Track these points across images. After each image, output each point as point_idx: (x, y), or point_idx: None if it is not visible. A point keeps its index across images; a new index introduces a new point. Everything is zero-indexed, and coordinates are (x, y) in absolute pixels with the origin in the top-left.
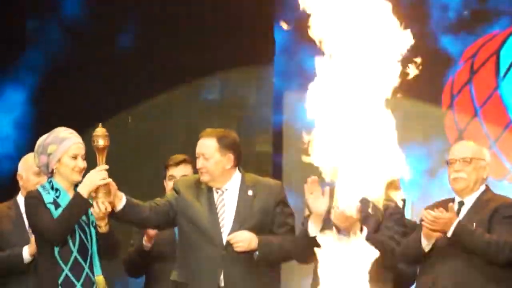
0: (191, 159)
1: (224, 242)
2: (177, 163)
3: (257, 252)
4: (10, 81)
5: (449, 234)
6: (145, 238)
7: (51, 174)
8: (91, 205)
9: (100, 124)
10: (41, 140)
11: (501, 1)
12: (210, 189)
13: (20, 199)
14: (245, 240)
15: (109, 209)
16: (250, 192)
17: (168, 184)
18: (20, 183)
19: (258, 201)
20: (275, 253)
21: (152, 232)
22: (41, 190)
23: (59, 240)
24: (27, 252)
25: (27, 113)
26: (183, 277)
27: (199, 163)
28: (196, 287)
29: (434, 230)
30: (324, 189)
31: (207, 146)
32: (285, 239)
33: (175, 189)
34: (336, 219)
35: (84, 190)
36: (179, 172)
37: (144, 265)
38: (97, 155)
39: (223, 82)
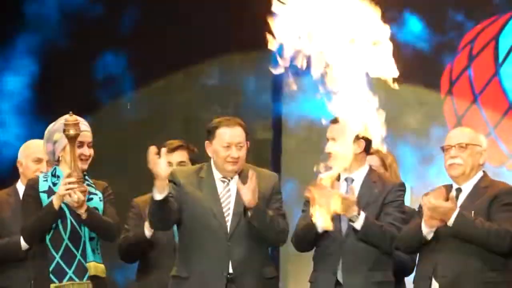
0: (187, 145)
1: (229, 232)
2: (173, 149)
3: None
4: (9, 67)
5: (450, 223)
6: (147, 224)
7: (57, 162)
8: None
9: (71, 112)
10: (49, 127)
11: None
12: (212, 179)
13: (20, 186)
14: (254, 192)
15: (82, 198)
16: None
17: None
18: (20, 170)
19: (258, 190)
20: (265, 219)
21: None
22: (40, 177)
23: (28, 241)
24: (24, 241)
25: (27, 99)
26: (185, 272)
27: (236, 153)
28: (198, 280)
29: (433, 218)
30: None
31: (241, 135)
32: (277, 219)
33: (173, 181)
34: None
35: (55, 201)
36: (175, 159)
37: (142, 252)
38: (69, 145)
39: (221, 67)
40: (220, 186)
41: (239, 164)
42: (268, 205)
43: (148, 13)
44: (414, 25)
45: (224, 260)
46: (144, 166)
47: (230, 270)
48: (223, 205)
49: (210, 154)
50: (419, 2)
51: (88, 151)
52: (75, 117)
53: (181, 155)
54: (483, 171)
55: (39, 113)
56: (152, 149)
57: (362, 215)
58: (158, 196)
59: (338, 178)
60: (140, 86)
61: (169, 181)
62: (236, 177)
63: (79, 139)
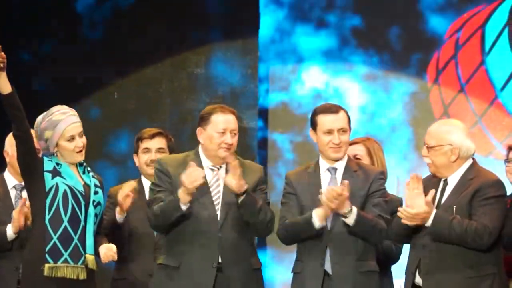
0: (166, 133)
1: (220, 223)
2: (152, 136)
3: (242, 197)
4: None
5: (428, 224)
6: (118, 209)
7: (53, 155)
8: None
9: None
10: (37, 123)
11: None
12: (201, 167)
13: (7, 176)
14: (240, 178)
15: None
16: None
17: (141, 157)
18: (7, 159)
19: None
20: (255, 207)
21: (126, 204)
22: (45, 158)
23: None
24: (11, 230)
25: None
26: (174, 261)
27: (230, 139)
28: (188, 269)
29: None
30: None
31: (235, 122)
32: (266, 208)
33: (163, 172)
34: (326, 198)
35: None
36: (154, 145)
37: (118, 240)
38: None
39: (208, 57)
40: (209, 174)
41: (231, 151)
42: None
43: (138, 3)
44: None
45: (214, 250)
46: (131, 154)
47: (220, 260)
48: (212, 194)
49: (202, 141)
50: None
51: (81, 142)
52: None
53: (160, 142)
54: (473, 160)
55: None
56: (193, 165)
57: (354, 210)
58: (184, 206)
59: (318, 169)
60: (129, 75)
61: (158, 170)
62: (224, 165)
63: (69, 134)
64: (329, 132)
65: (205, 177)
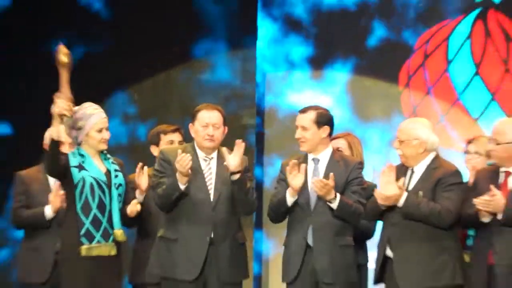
0: (181, 129)
1: (213, 203)
2: (174, 130)
3: (237, 176)
4: None
5: (399, 205)
6: (137, 191)
7: (79, 144)
8: None
9: (61, 43)
10: None
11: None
12: (196, 158)
13: None
14: (241, 158)
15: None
16: (225, 163)
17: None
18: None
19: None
20: (244, 187)
21: (143, 186)
22: (70, 155)
23: None
24: (50, 210)
25: None
26: (173, 234)
27: (212, 131)
28: (185, 241)
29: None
30: (301, 166)
31: (218, 118)
32: (252, 190)
33: (165, 161)
34: (316, 187)
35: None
36: (176, 138)
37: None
38: (63, 70)
39: (213, 63)
40: (203, 164)
41: (216, 142)
42: None
43: (157, 15)
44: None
45: (207, 226)
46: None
47: (212, 236)
48: (206, 180)
49: (193, 135)
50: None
51: (107, 134)
52: (65, 48)
53: (178, 136)
54: (436, 153)
55: None
56: (180, 153)
57: (338, 197)
58: (182, 186)
59: (307, 160)
60: (145, 78)
61: (161, 159)
62: (215, 156)
63: (99, 126)
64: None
65: (200, 166)
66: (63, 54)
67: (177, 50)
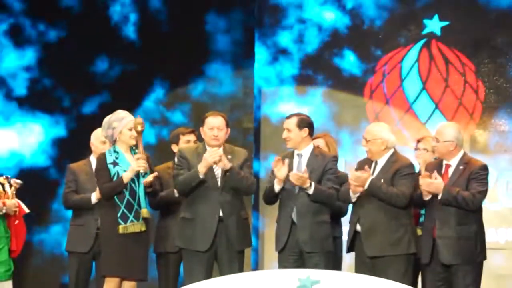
0: (195, 131)
1: (220, 187)
2: (190, 132)
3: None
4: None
5: (365, 187)
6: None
7: (114, 142)
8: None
9: (138, 116)
10: (106, 119)
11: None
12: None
13: (92, 159)
14: (224, 163)
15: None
16: (229, 156)
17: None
18: (92, 148)
19: (234, 161)
20: (237, 177)
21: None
22: (106, 153)
23: (104, 197)
24: (94, 197)
25: None
26: (190, 214)
27: (216, 132)
28: (200, 220)
29: (357, 185)
30: (284, 161)
31: (221, 122)
32: (247, 176)
33: (183, 157)
34: (292, 179)
35: (127, 175)
36: (192, 138)
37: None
38: (138, 136)
39: (221, 80)
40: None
41: (220, 141)
42: (241, 169)
43: (177, 43)
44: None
45: (216, 206)
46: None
47: (221, 214)
48: (214, 170)
49: (203, 136)
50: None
51: (135, 132)
52: (141, 119)
53: (194, 136)
54: (394, 149)
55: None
56: (217, 151)
57: (313, 185)
58: (201, 175)
59: (293, 155)
60: (169, 91)
61: (180, 156)
62: (222, 152)
63: (130, 125)
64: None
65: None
66: (138, 124)
67: (194, 69)
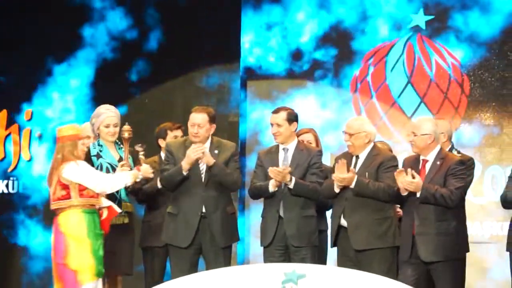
0: (182, 126)
1: (204, 183)
2: (178, 127)
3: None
4: None
5: (352, 186)
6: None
7: (98, 136)
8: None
9: (127, 123)
10: (92, 115)
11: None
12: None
13: None
14: (208, 158)
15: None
16: (216, 151)
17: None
18: None
19: (221, 156)
20: (223, 173)
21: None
22: (91, 145)
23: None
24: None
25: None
26: (175, 210)
27: (196, 129)
28: (183, 216)
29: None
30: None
31: (203, 118)
32: (233, 172)
33: (169, 152)
34: (272, 175)
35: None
36: (179, 133)
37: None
38: (124, 143)
39: (208, 75)
40: None
41: (200, 138)
42: (227, 164)
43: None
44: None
45: (199, 202)
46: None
47: (204, 210)
48: (199, 165)
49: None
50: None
51: (113, 129)
52: (129, 126)
53: (181, 132)
54: (374, 143)
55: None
56: (200, 147)
57: (293, 179)
58: (184, 172)
59: (278, 149)
60: (154, 86)
61: (166, 150)
62: (208, 146)
63: (106, 122)
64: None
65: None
66: (126, 131)
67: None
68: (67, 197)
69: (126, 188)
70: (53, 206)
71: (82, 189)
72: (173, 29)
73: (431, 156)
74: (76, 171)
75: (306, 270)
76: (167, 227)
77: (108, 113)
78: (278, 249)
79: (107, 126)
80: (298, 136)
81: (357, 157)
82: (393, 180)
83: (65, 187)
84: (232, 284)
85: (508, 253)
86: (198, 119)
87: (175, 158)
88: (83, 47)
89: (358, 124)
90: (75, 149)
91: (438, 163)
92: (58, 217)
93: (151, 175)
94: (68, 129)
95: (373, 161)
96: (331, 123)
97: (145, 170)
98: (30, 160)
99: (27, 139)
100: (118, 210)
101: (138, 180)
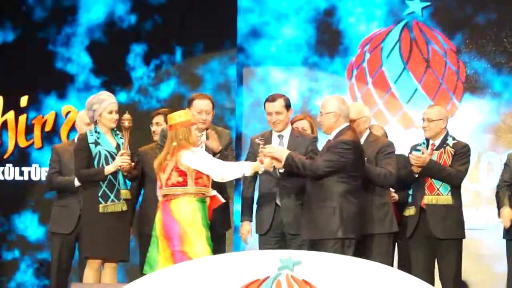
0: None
1: None
2: (157, 113)
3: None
4: None
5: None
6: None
7: (95, 123)
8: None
9: (127, 112)
10: (88, 100)
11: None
12: None
13: (77, 139)
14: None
15: (127, 168)
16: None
17: (155, 127)
18: (77, 129)
19: (217, 143)
20: (226, 159)
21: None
22: (88, 133)
23: (80, 182)
24: (77, 181)
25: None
26: None
27: (205, 116)
28: None
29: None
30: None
31: (208, 105)
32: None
33: (166, 137)
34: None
35: (109, 169)
36: (161, 119)
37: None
38: (124, 132)
39: (204, 62)
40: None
41: (207, 124)
42: (225, 151)
43: (164, 26)
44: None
45: None
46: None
47: None
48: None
49: None
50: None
51: (115, 116)
52: (129, 115)
53: (163, 117)
54: (369, 130)
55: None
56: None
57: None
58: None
59: (271, 135)
60: (152, 72)
61: (163, 136)
62: (205, 133)
63: (110, 109)
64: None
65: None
66: (126, 120)
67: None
68: (184, 184)
69: (125, 176)
70: (165, 191)
71: (198, 177)
72: (169, 15)
73: (332, 135)
74: (195, 158)
75: (302, 256)
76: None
77: (111, 100)
78: (274, 236)
79: (110, 113)
80: (292, 123)
81: None
82: (393, 166)
83: (183, 173)
84: (227, 270)
85: (504, 240)
86: (206, 105)
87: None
88: (79, 32)
89: (357, 110)
90: (189, 135)
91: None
92: (169, 203)
93: (271, 169)
94: (180, 116)
95: (371, 147)
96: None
97: (268, 164)
98: (27, 147)
99: (23, 126)
100: (222, 200)
101: (260, 172)
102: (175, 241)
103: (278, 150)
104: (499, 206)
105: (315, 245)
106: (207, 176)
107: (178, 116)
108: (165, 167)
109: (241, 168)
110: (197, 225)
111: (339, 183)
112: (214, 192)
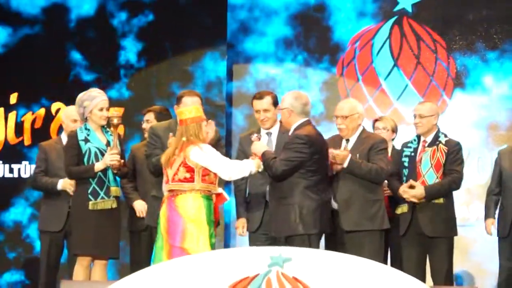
0: (155, 109)
1: None
2: (148, 111)
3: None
4: None
5: (345, 165)
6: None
7: (85, 120)
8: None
9: (116, 108)
10: (79, 96)
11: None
12: None
13: (63, 137)
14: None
15: (117, 165)
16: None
17: (145, 124)
18: (63, 126)
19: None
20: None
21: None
22: (78, 130)
23: (70, 179)
24: (60, 184)
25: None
26: (159, 193)
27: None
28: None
29: (336, 163)
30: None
31: (197, 102)
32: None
33: (155, 135)
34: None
35: (98, 166)
36: (151, 117)
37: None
38: (113, 129)
39: (193, 58)
40: None
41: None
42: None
43: (155, 23)
44: None
45: None
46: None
47: None
48: None
49: (176, 113)
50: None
51: (106, 113)
52: (118, 110)
53: (153, 114)
54: (363, 126)
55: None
56: (171, 136)
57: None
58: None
59: (260, 132)
60: (142, 69)
61: (152, 133)
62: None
63: (100, 106)
64: (257, 111)
65: None
66: (115, 118)
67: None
68: (191, 180)
69: (115, 173)
70: (171, 186)
71: (205, 174)
72: (160, 12)
73: (290, 131)
74: (204, 155)
75: (292, 253)
76: (150, 210)
77: (102, 97)
78: (265, 234)
79: (101, 110)
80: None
81: (347, 140)
82: (386, 162)
83: (190, 170)
84: (217, 267)
85: (496, 238)
86: (194, 102)
87: (162, 141)
88: (70, 29)
89: (350, 106)
90: (200, 131)
91: (285, 135)
92: (175, 198)
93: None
94: (190, 111)
95: (363, 144)
96: (314, 106)
97: (258, 162)
98: (15, 143)
99: (13, 123)
100: (228, 197)
101: (260, 170)
102: (176, 237)
103: (258, 147)
104: (485, 216)
105: (286, 242)
106: (215, 173)
107: (188, 112)
108: (172, 162)
109: (248, 167)
110: (201, 222)
111: (299, 178)
112: (220, 190)
